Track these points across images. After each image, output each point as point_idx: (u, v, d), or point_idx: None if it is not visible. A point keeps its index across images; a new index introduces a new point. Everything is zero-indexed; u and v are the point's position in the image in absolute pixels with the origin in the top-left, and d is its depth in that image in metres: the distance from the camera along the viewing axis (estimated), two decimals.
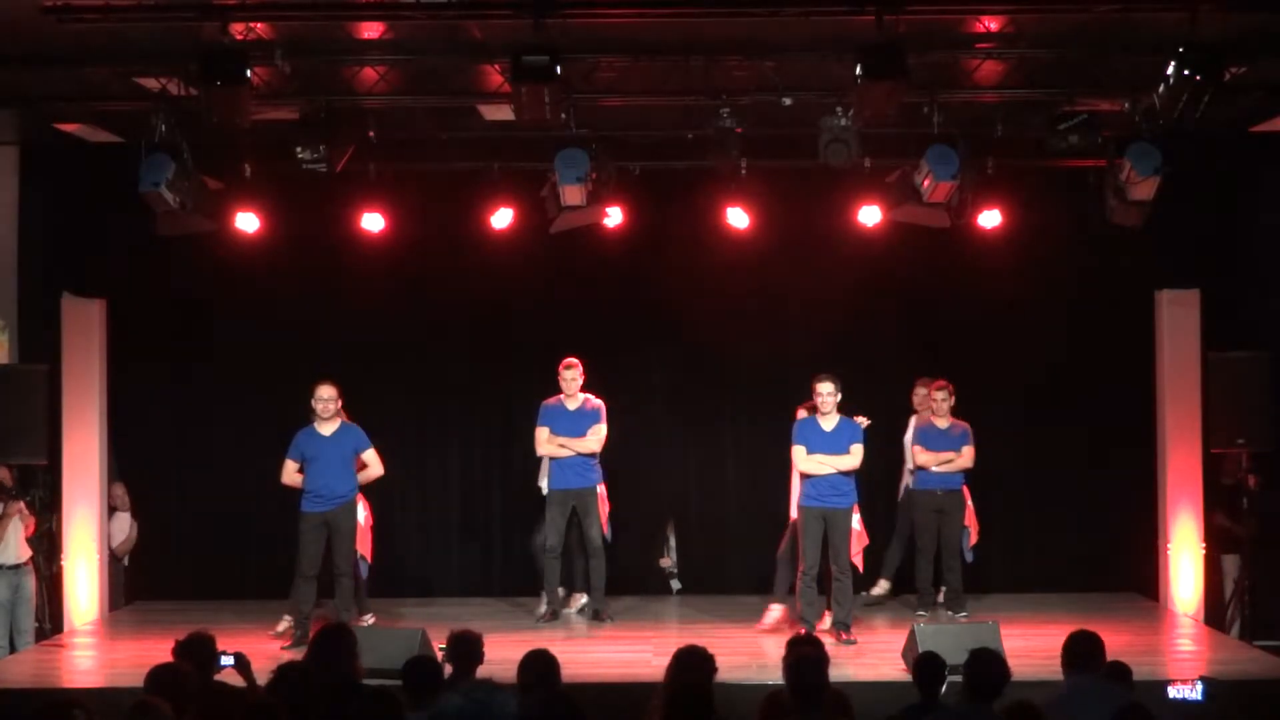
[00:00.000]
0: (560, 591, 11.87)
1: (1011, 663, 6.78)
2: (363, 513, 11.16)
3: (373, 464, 11.09)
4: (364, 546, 11.20)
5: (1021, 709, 5.95)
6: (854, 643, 10.60)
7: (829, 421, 10.77)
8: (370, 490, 11.36)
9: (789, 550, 11.16)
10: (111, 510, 12.71)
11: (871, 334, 12.83)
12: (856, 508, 10.97)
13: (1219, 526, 12.34)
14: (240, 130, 9.71)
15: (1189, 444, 12.28)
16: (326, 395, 10.91)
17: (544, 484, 11.81)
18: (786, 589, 11.19)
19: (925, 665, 6.96)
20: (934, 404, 11.83)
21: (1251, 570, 12.01)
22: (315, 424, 10.96)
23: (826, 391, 10.76)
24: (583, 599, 11.96)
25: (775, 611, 11.22)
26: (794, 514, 11.11)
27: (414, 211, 12.05)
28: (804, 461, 10.73)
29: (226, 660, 7.27)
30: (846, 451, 10.74)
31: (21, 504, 11.48)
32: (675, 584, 12.99)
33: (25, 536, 11.59)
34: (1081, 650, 6.93)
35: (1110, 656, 7.18)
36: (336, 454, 10.90)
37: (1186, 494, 12.31)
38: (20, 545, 11.45)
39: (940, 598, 11.91)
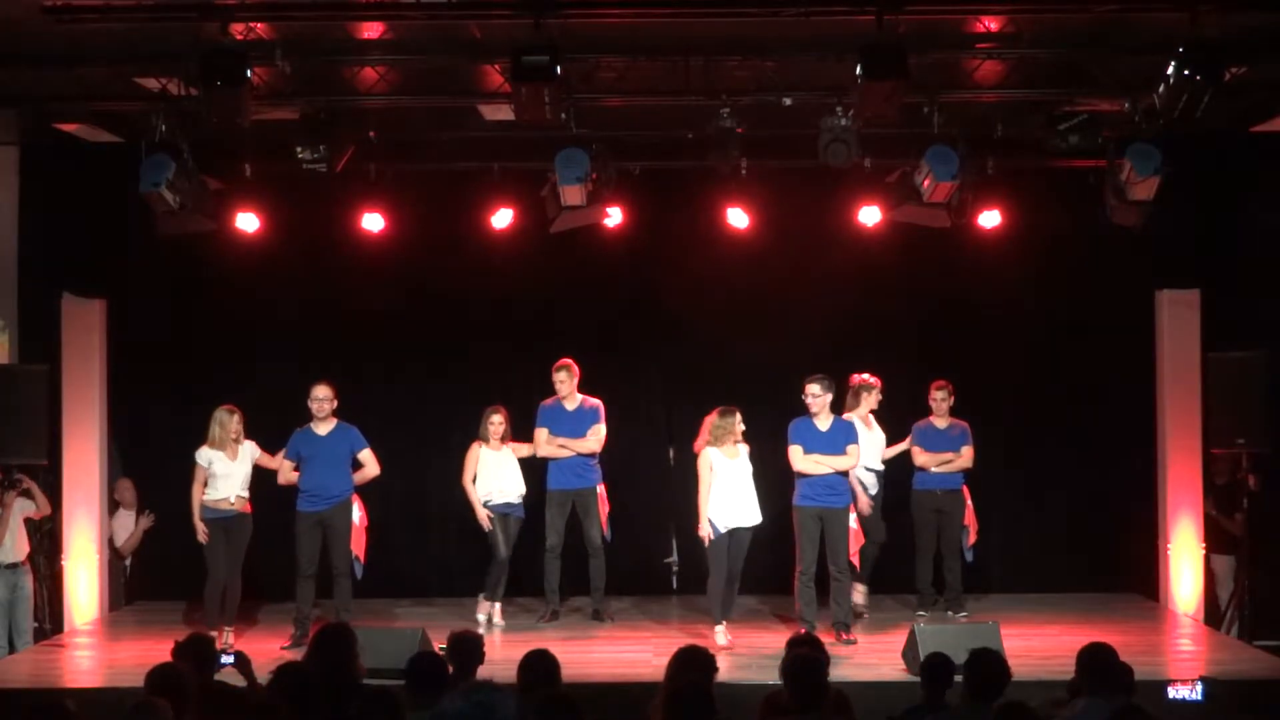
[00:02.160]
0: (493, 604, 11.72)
1: (1011, 663, 6.77)
2: (357, 513, 11.14)
3: (369, 464, 11.09)
4: (358, 547, 11.18)
5: (1013, 710, 5.95)
6: (854, 643, 10.60)
7: (824, 421, 10.76)
8: (370, 490, 11.35)
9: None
10: (116, 506, 12.71)
11: (871, 334, 12.81)
12: (853, 507, 10.98)
13: (1212, 525, 12.32)
14: (240, 130, 9.71)
15: (1189, 444, 12.28)
16: (322, 395, 10.91)
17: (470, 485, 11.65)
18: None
19: (933, 666, 6.94)
20: (934, 403, 11.82)
21: (1250, 570, 12.00)
22: (311, 424, 10.96)
23: (813, 392, 10.74)
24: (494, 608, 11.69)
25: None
26: (705, 532, 10.76)
27: (414, 211, 12.05)
28: (800, 461, 10.71)
29: (226, 660, 7.27)
30: (843, 451, 10.73)
31: (30, 484, 11.52)
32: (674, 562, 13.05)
33: (40, 516, 11.63)
34: (1101, 666, 6.81)
35: None
36: (332, 454, 10.91)
37: (1186, 494, 12.30)
38: (18, 544, 11.45)
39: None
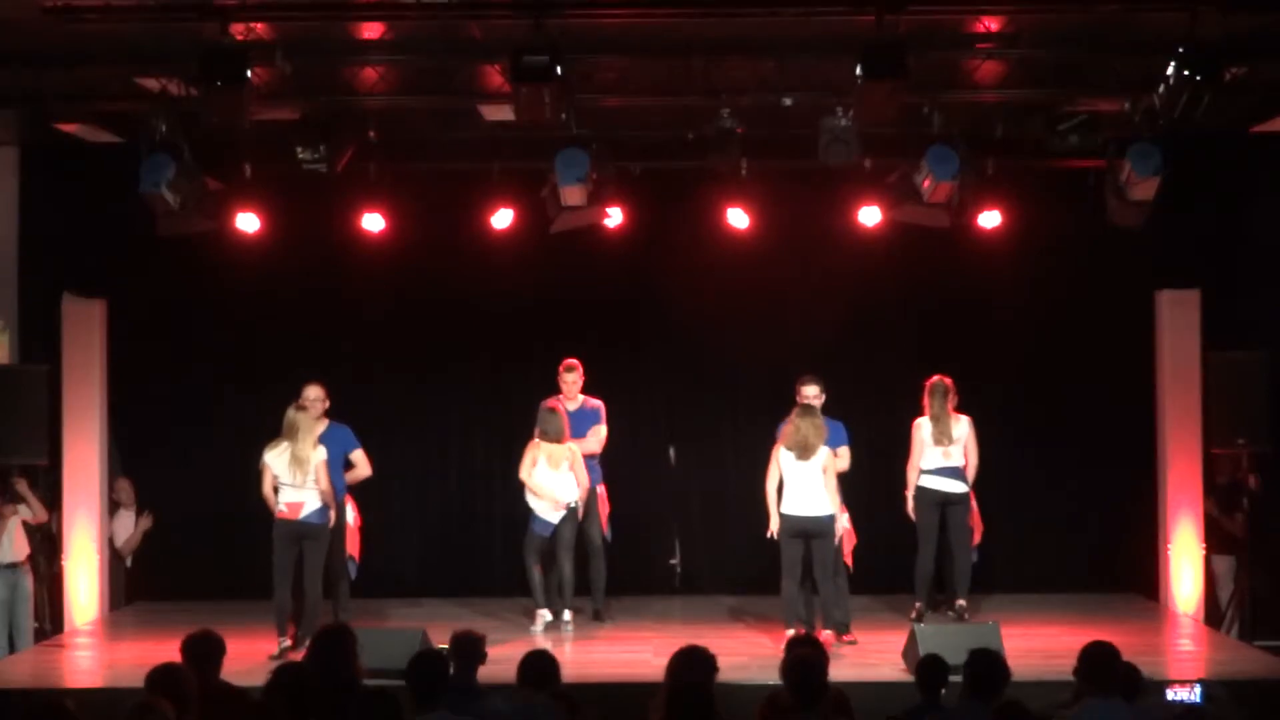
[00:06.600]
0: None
1: (1011, 663, 6.77)
2: (351, 513, 11.13)
3: (360, 464, 11.06)
4: (353, 547, 11.17)
5: (1010, 709, 5.95)
6: (854, 643, 10.58)
7: None
8: (370, 490, 11.34)
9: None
10: (116, 506, 12.70)
11: (871, 334, 12.83)
12: (844, 507, 10.93)
13: (1213, 525, 12.31)
14: (240, 130, 9.71)
15: (1189, 444, 12.27)
16: (314, 396, 10.86)
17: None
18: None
19: (928, 668, 6.94)
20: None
21: (1251, 570, 12.01)
22: None
23: (811, 394, 10.72)
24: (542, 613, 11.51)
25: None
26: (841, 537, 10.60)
27: (414, 211, 12.04)
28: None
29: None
30: (834, 454, 10.70)
31: (27, 493, 11.51)
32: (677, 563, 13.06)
33: (37, 522, 11.61)
34: (1101, 665, 6.78)
35: None
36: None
37: (1186, 494, 12.29)
38: (18, 545, 11.45)
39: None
